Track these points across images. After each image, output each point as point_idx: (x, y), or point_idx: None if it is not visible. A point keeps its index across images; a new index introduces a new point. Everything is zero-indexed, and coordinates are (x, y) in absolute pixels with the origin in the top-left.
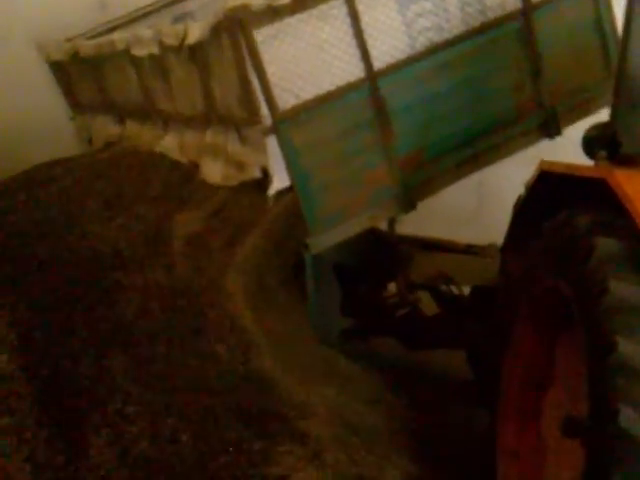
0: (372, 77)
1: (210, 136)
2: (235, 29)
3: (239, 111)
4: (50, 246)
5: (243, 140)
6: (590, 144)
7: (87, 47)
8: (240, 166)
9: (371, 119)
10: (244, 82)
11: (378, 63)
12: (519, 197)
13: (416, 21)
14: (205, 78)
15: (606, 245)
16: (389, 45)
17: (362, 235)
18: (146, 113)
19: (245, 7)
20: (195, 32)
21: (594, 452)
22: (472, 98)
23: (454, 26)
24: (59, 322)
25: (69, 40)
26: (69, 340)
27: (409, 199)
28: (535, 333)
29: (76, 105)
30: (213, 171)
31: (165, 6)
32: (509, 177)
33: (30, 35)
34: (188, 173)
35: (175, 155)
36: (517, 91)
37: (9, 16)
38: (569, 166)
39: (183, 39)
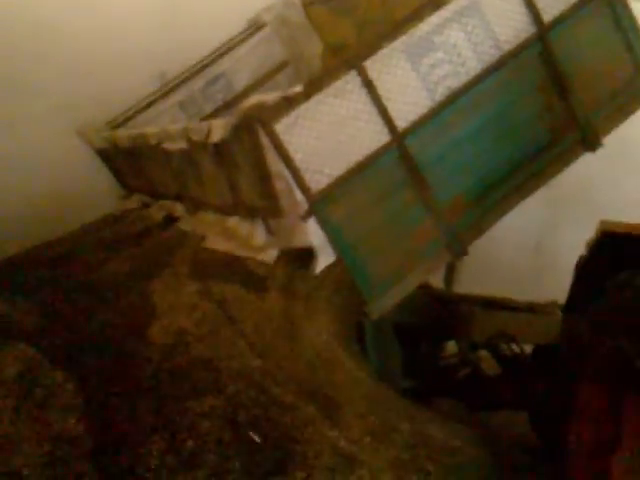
0: (398, 138)
1: (232, 222)
2: (254, 127)
3: (263, 204)
4: (107, 314)
5: (270, 230)
6: None
7: (124, 139)
8: (256, 250)
9: (405, 177)
10: (265, 178)
11: (402, 123)
12: (580, 257)
13: (431, 73)
14: (230, 172)
15: None
16: (409, 103)
17: (421, 294)
18: (180, 198)
19: (260, 105)
20: (218, 131)
21: None
22: (503, 131)
23: (471, 68)
24: (123, 387)
25: (109, 123)
26: (134, 403)
27: (460, 245)
28: (601, 393)
29: (125, 185)
30: (221, 245)
31: (200, 70)
32: (566, 236)
33: (95, 106)
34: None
35: (187, 228)
36: (547, 113)
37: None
38: (630, 226)
39: (207, 136)
